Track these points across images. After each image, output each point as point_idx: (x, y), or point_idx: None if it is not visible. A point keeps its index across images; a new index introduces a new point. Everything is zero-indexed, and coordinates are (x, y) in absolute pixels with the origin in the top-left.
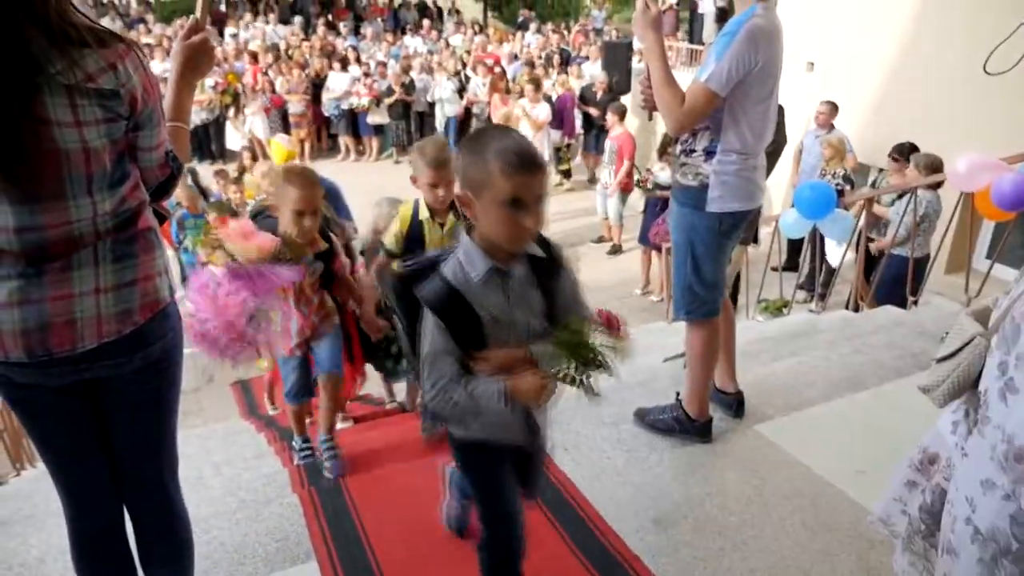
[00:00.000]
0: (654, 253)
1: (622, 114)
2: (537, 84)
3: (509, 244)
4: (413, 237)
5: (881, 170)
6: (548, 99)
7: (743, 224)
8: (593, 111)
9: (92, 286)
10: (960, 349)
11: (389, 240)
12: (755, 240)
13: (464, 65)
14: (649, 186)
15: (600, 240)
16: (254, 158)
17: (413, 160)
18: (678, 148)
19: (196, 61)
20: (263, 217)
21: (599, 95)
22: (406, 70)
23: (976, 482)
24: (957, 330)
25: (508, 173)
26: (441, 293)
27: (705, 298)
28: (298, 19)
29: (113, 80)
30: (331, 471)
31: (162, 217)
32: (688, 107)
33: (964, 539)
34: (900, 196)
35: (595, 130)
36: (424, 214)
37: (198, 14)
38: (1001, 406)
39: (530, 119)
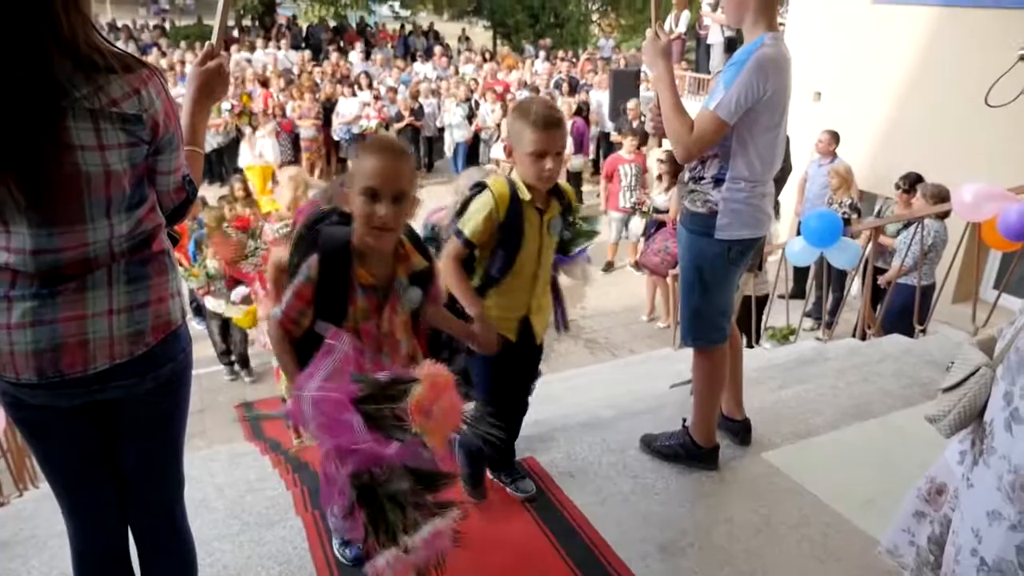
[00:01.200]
0: (658, 279)
1: (641, 140)
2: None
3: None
4: (511, 225)
5: (887, 199)
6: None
7: (751, 251)
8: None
9: (105, 307)
10: (965, 379)
11: (472, 228)
12: (760, 267)
13: (472, 92)
14: (645, 209)
15: (609, 266)
16: (245, 190)
17: (510, 124)
18: (687, 175)
19: (211, 86)
20: (329, 223)
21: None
22: (415, 96)
23: (982, 513)
24: (962, 360)
25: None
26: None
27: (712, 325)
28: (307, 52)
29: (136, 105)
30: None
31: (174, 240)
32: (697, 134)
33: (969, 570)
34: (907, 225)
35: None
36: (524, 195)
37: (214, 40)
38: (1007, 436)
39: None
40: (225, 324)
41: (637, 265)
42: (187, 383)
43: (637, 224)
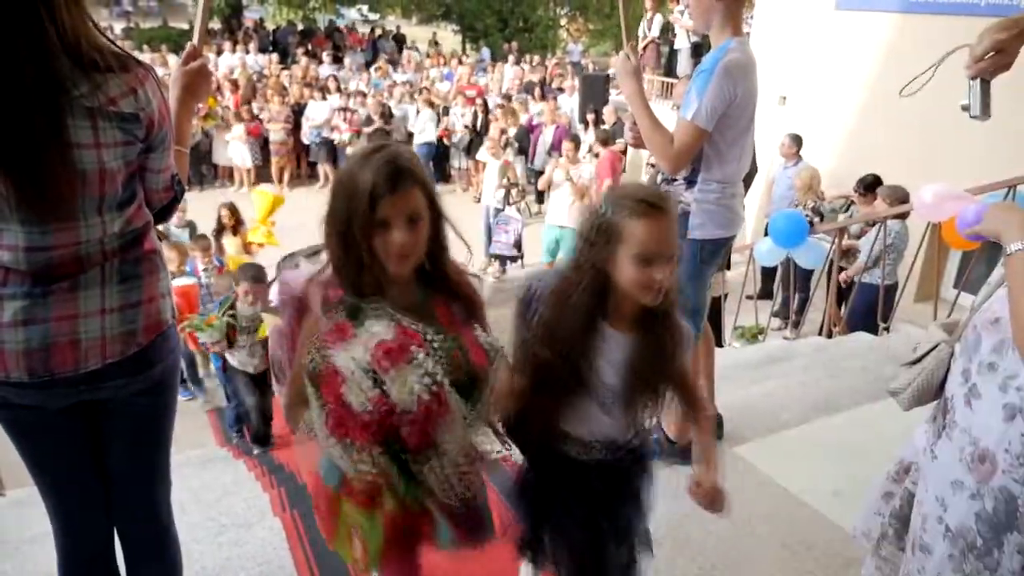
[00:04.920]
0: None
1: (604, 140)
2: (577, 143)
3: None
4: None
5: (850, 204)
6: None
7: (723, 250)
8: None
9: (97, 307)
10: (925, 355)
11: None
12: (728, 266)
13: (440, 97)
14: None
15: None
16: (234, 217)
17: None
18: (658, 177)
19: (195, 86)
20: None
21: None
22: (384, 100)
23: (947, 483)
24: (926, 339)
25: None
26: None
27: (687, 323)
28: (275, 55)
29: (133, 104)
30: None
31: (161, 239)
32: (679, 145)
33: (936, 536)
34: (870, 226)
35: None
36: None
37: (195, 40)
38: (967, 411)
39: (574, 184)
40: (262, 391)
41: None
42: (175, 385)
43: None
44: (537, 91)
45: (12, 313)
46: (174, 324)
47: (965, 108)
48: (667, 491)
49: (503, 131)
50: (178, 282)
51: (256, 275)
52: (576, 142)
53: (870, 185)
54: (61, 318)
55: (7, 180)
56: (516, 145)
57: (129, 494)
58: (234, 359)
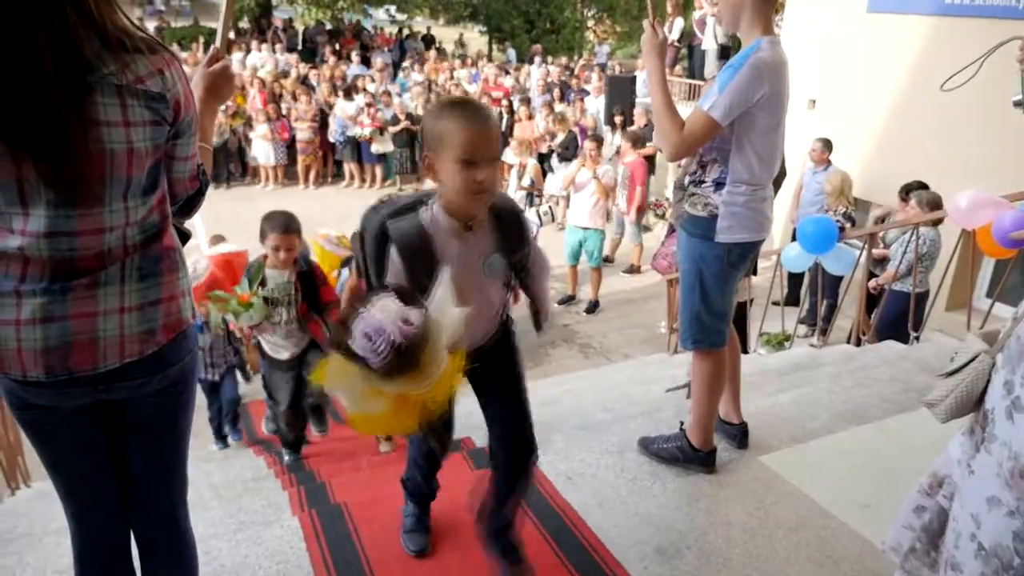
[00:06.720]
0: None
1: (635, 141)
2: (599, 143)
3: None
4: None
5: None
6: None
7: (751, 255)
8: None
9: (117, 304)
10: (964, 365)
11: None
12: (754, 271)
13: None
14: (659, 212)
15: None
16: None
17: None
18: (687, 179)
19: (218, 87)
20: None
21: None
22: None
23: (982, 499)
24: (963, 349)
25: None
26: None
27: (712, 328)
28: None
29: (160, 83)
30: None
31: (184, 237)
32: (687, 133)
33: (968, 555)
34: (903, 233)
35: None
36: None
37: (218, 42)
38: (1008, 424)
39: (599, 182)
40: (299, 377)
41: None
42: (194, 384)
43: (632, 227)
44: (556, 92)
45: (31, 310)
46: (193, 323)
47: (1018, 104)
48: (691, 500)
49: (544, 136)
50: (222, 248)
51: (287, 223)
52: (598, 142)
53: (909, 190)
54: (80, 316)
55: (32, 160)
56: (559, 151)
57: (146, 496)
58: (266, 344)
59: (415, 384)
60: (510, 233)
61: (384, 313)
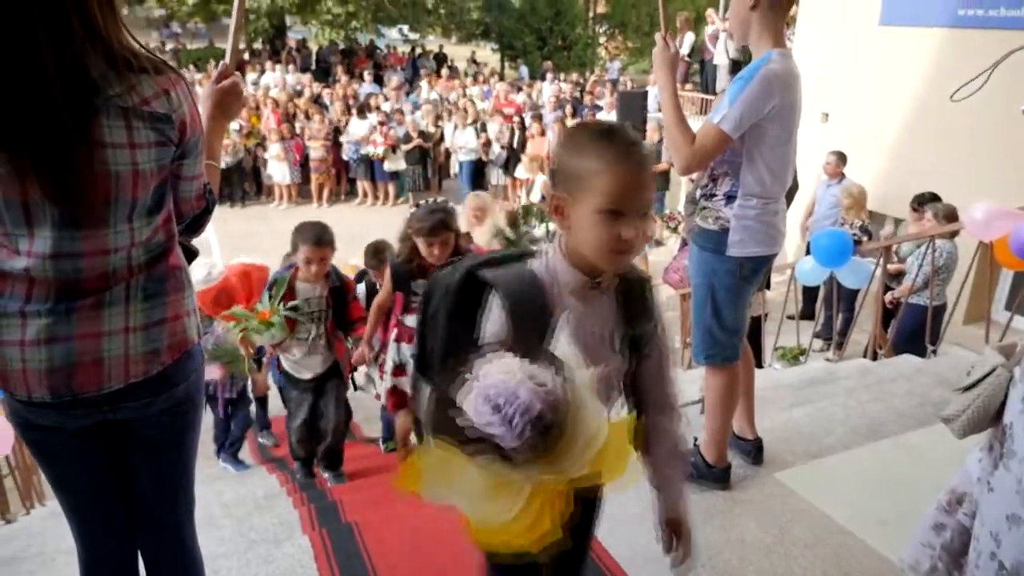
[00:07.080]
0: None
1: None
2: None
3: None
4: None
5: (897, 222)
6: None
7: (763, 269)
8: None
9: (122, 325)
10: (981, 379)
11: None
12: (767, 285)
13: (480, 114)
14: (672, 225)
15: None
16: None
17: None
18: (698, 192)
19: (226, 104)
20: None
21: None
22: (435, 118)
23: (1002, 516)
24: (980, 362)
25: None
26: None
27: (725, 342)
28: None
29: (166, 104)
30: None
31: (191, 254)
32: (698, 146)
33: (988, 574)
34: (918, 246)
35: None
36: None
37: (227, 60)
38: None
39: None
40: (316, 404)
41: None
42: (200, 404)
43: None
44: (568, 108)
45: (35, 331)
46: (199, 342)
47: None
48: (705, 517)
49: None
50: (243, 259)
51: (320, 235)
52: None
53: (925, 202)
54: (85, 336)
55: (38, 180)
56: None
57: (151, 515)
58: (286, 361)
59: (561, 468)
60: (634, 304)
61: (510, 375)
